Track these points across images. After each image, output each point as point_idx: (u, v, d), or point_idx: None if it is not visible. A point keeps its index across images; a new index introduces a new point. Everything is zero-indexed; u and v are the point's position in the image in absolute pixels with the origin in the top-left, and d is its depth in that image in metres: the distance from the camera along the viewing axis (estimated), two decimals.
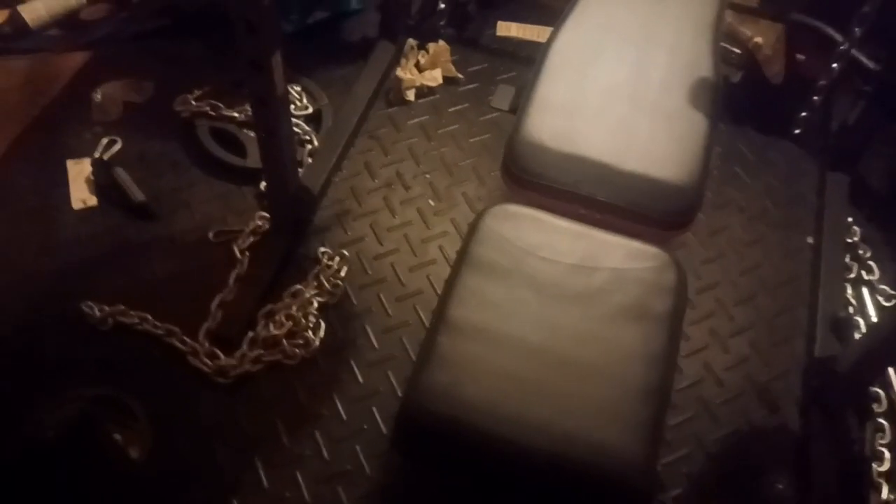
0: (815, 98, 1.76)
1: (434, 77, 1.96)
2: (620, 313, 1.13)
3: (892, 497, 1.43)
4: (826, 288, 1.67)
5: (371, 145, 1.87)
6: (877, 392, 1.54)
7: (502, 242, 1.20)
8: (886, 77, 1.65)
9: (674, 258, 1.21)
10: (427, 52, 1.99)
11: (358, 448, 1.42)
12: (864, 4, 1.65)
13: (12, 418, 1.37)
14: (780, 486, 1.44)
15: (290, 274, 1.62)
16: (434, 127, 1.91)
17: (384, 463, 1.41)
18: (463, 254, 1.19)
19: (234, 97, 1.82)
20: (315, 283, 1.61)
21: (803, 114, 1.77)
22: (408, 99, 1.94)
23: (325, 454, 1.41)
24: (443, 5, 1.99)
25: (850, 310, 1.66)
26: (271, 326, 1.54)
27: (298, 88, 1.90)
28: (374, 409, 1.47)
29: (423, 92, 1.96)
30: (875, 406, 1.52)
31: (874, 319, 1.66)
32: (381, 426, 1.45)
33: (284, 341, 1.52)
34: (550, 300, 1.14)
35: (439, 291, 1.50)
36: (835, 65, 1.72)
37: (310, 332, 1.54)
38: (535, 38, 2.07)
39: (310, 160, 1.81)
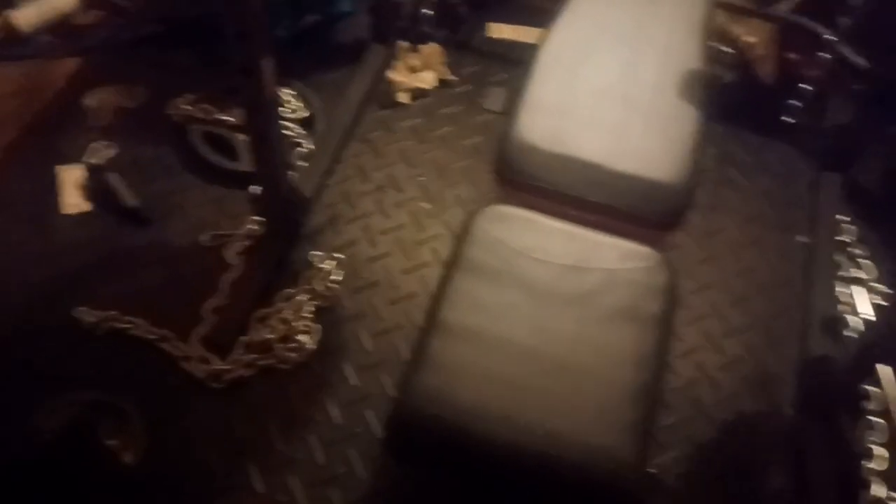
0: (806, 87, 1.76)
1: (426, 79, 1.96)
2: (612, 315, 1.13)
3: (885, 495, 1.42)
4: (820, 287, 1.67)
5: (364, 148, 1.87)
6: (867, 390, 1.53)
7: (494, 244, 1.20)
8: (878, 75, 1.65)
9: (665, 258, 1.21)
10: (419, 54, 1.99)
11: (351, 452, 1.42)
12: None
13: (6, 424, 1.37)
14: (775, 487, 1.44)
15: (284, 278, 1.62)
16: (427, 129, 1.91)
17: (378, 466, 1.40)
18: (455, 256, 1.19)
19: (226, 101, 1.82)
20: (308, 287, 1.61)
21: (793, 101, 1.76)
22: (400, 102, 1.94)
23: (319, 458, 1.41)
24: (430, 12, 1.99)
25: (845, 309, 1.66)
26: (264, 331, 1.53)
27: (291, 92, 1.90)
28: (368, 412, 1.46)
29: (415, 94, 1.96)
30: (868, 405, 1.52)
31: (869, 318, 1.66)
32: (375, 429, 1.44)
33: (277, 345, 1.52)
34: (542, 302, 1.14)
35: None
36: (822, 54, 1.71)
37: (303, 336, 1.54)
38: (526, 40, 2.07)
39: (302, 164, 1.80)
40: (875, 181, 1.90)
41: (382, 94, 1.95)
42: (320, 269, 1.64)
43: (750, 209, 1.83)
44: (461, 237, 1.21)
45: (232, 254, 1.64)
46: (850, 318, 1.63)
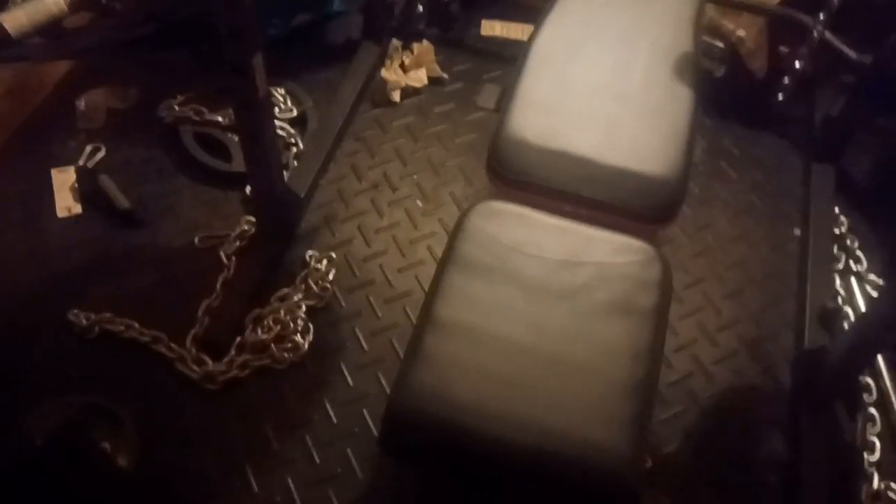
0: (797, 79, 1.76)
1: (419, 77, 1.96)
2: (606, 308, 1.13)
3: (883, 486, 1.43)
4: (814, 279, 1.67)
5: (357, 147, 1.87)
6: (867, 382, 1.54)
7: (487, 240, 1.19)
8: (867, 66, 1.66)
9: (658, 251, 1.21)
10: (411, 52, 1.99)
11: (349, 451, 1.41)
12: None
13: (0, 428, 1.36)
14: (772, 479, 1.44)
15: (278, 278, 1.62)
16: (420, 127, 1.91)
17: (375, 465, 1.40)
18: (448, 252, 1.19)
19: (218, 102, 1.82)
20: (303, 287, 1.61)
21: (785, 81, 1.76)
22: (393, 100, 1.94)
23: (316, 457, 1.41)
24: (420, 8, 1.99)
25: (839, 300, 1.66)
26: (259, 331, 1.53)
27: (282, 91, 1.89)
28: (365, 411, 1.46)
29: (408, 93, 1.96)
30: (866, 396, 1.53)
31: (863, 309, 1.66)
32: (372, 428, 1.44)
33: (273, 346, 1.51)
34: (536, 297, 1.14)
35: None
36: (811, 46, 1.71)
37: (298, 336, 1.53)
38: (519, 37, 2.07)
39: (295, 163, 1.80)
40: (866, 172, 1.91)
41: (375, 93, 1.95)
42: (315, 269, 1.63)
43: (741, 202, 1.84)
44: (454, 234, 1.21)
45: (225, 255, 1.64)
46: (843, 309, 1.63)
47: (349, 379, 1.50)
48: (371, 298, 1.62)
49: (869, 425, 1.49)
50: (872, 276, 1.72)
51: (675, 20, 1.52)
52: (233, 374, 1.48)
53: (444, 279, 1.15)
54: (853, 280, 1.72)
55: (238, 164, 1.73)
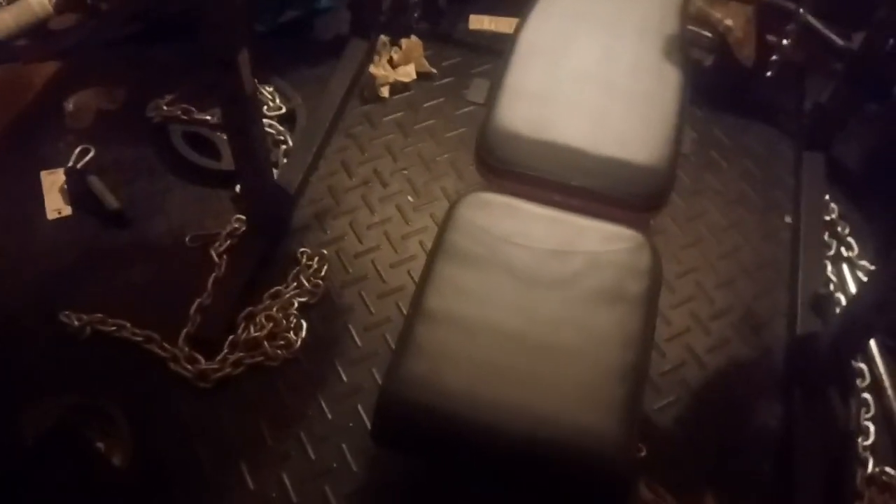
0: (785, 67, 1.76)
1: (407, 73, 1.96)
2: (596, 296, 1.13)
3: (877, 470, 1.43)
4: (806, 266, 1.68)
5: (347, 143, 1.86)
6: (860, 367, 1.55)
7: (477, 230, 1.19)
8: (854, 52, 1.66)
9: (647, 239, 1.21)
10: (400, 48, 1.99)
11: (343, 445, 1.41)
12: None
13: None
14: (765, 467, 1.44)
15: (270, 275, 1.62)
16: (410, 123, 1.91)
17: (370, 459, 1.40)
18: (438, 243, 1.19)
19: (206, 100, 1.81)
20: (295, 284, 1.60)
21: (774, 57, 1.76)
22: (382, 96, 1.94)
23: (311, 453, 1.40)
24: (410, 3, 1.99)
25: (831, 287, 1.67)
26: (252, 328, 1.53)
27: (270, 89, 1.89)
28: (359, 406, 1.46)
29: (397, 88, 1.96)
30: (859, 381, 1.53)
31: (853, 295, 1.66)
32: (366, 423, 1.44)
33: (266, 343, 1.51)
34: (526, 286, 1.14)
35: None
36: (799, 34, 1.72)
37: (291, 333, 1.53)
38: (507, 31, 2.05)
39: (285, 161, 1.80)
40: (856, 159, 1.92)
41: (364, 89, 1.95)
42: (307, 266, 1.63)
43: (732, 191, 1.84)
44: (443, 225, 1.21)
45: (217, 253, 1.63)
46: (835, 296, 1.63)
47: (343, 374, 1.50)
48: (363, 294, 1.62)
49: (863, 410, 1.50)
50: (864, 262, 1.72)
51: (662, 9, 1.52)
52: (226, 372, 1.47)
53: (435, 270, 1.15)
54: (845, 266, 1.72)
55: (227, 163, 1.73)
